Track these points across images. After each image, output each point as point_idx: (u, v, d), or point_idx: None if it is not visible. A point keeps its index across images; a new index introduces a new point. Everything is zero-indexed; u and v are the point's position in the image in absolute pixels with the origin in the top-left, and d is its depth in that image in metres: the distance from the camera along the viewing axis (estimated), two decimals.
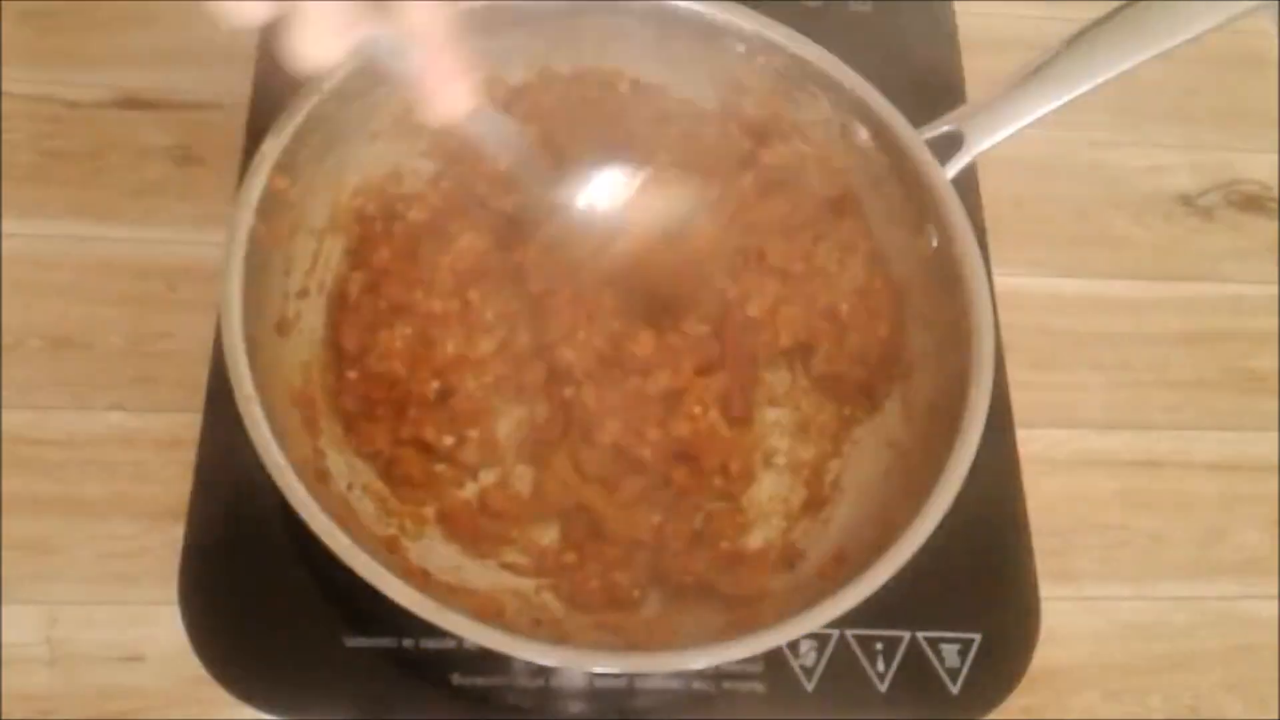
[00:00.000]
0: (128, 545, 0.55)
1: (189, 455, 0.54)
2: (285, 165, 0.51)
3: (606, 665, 0.46)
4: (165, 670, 0.53)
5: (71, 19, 0.68)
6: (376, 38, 0.40)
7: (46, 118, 0.65)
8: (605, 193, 0.54)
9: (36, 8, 0.68)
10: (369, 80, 0.54)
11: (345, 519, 0.46)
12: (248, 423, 0.45)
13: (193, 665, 0.50)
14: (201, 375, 0.55)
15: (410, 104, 0.57)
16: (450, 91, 0.42)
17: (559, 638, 0.49)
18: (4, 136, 0.64)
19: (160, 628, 0.53)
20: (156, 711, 0.53)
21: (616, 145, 0.58)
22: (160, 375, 0.59)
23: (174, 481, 0.55)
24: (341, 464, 0.52)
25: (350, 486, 0.52)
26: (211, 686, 0.50)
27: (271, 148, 0.50)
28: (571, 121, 0.59)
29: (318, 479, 0.49)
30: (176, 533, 0.52)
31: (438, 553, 0.52)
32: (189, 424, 0.55)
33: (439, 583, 0.50)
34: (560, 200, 0.53)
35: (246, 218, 0.49)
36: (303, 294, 0.54)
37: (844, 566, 0.50)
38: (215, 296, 0.48)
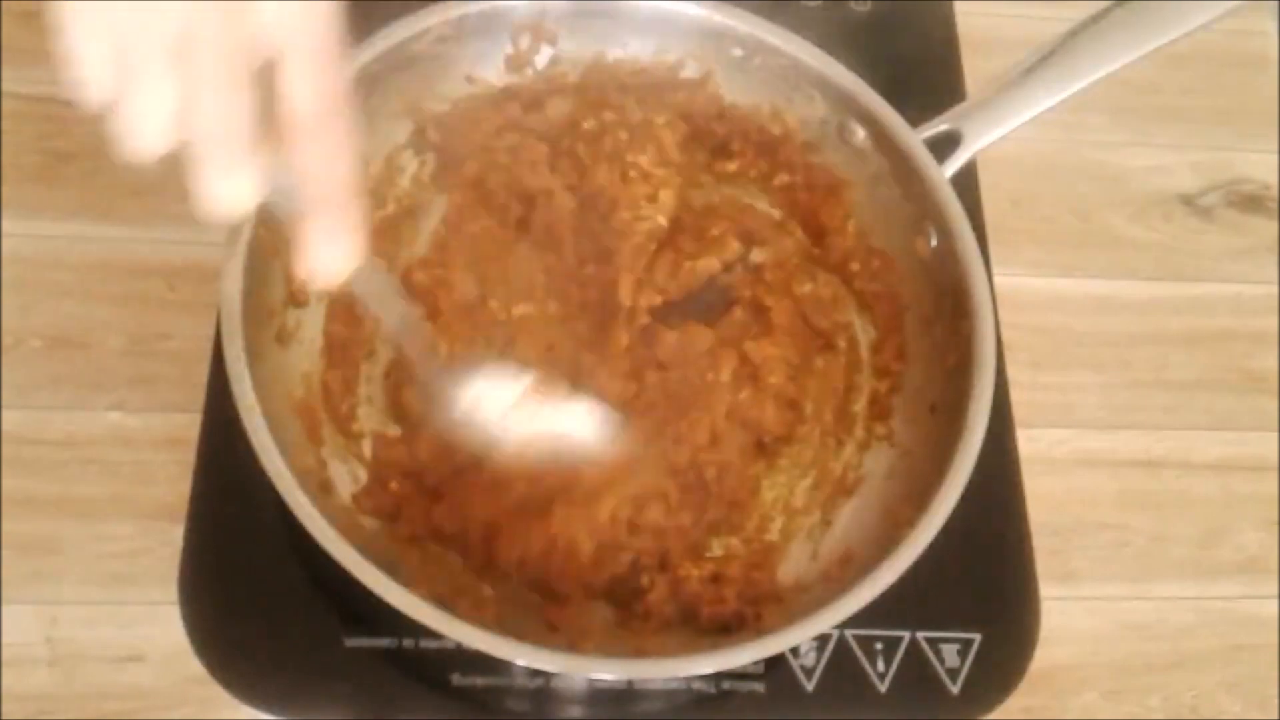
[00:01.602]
0: (128, 545, 0.56)
1: (189, 455, 0.54)
2: None
3: (612, 672, 0.46)
4: (165, 670, 0.53)
5: None
6: (277, 177, 0.35)
7: (46, 118, 0.65)
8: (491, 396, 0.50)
9: (36, 8, 0.68)
10: (365, 87, 0.54)
11: (349, 529, 0.46)
12: (250, 434, 0.45)
13: (193, 665, 0.50)
14: (201, 375, 0.55)
15: (413, 102, 0.57)
16: (336, 248, 0.37)
17: (564, 642, 0.49)
18: (4, 137, 0.64)
19: (160, 628, 0.53)
20: (156, 711, 0.53)
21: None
22: (160, 375, 0.59)
23: (174, 481, 0.55)
24: (344, 474, 0.52)
25: (354, 496, 0.52)
26: (211, 686, 0.50)
27: None
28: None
29: (321, 490, 0.49)
30: (176, 533, 0.52)
31: (444, 560, 0.52)
32: (189, 424, 0.55)
33: (444, 589, 0.50)
34: (445, 388, 0.50)
35: (245, 227, 0.48)
36: (302, 303, 0.54)
37: (850, 568, 0.50)
38: (215, 297, 0.48)
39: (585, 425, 0.52)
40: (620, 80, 0.60)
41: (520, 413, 0.51)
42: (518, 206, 0.59)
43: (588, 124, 0.59)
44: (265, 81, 0.34)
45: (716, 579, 0.52)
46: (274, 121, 0.35)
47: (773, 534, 0.55)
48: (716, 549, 0.55)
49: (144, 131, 0.34)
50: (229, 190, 0.34)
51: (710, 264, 0.59)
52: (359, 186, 0.36)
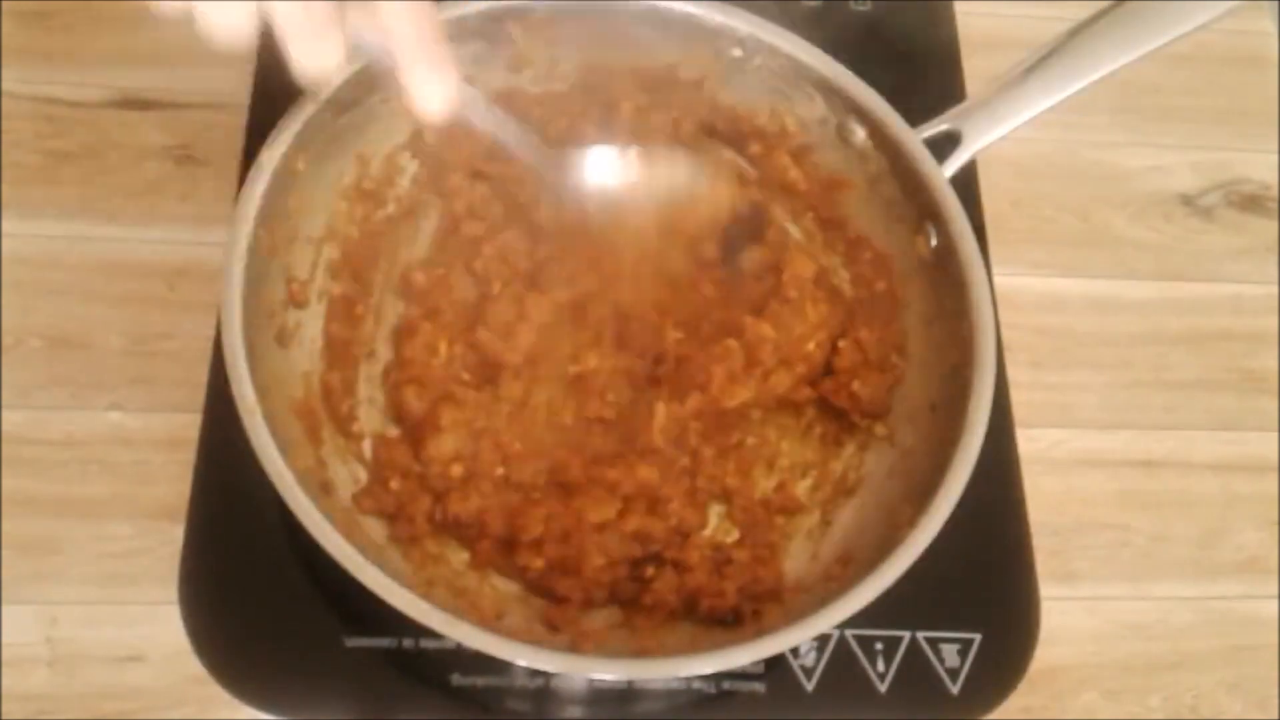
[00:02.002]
0: (128, 545, 0.55)
1: (189, 455, 0.54)
2: (283, 175, 0.51)
3: (612, 672, 0.46)
4: (165, 670, 0.53)
5: (71, 19, 0.68)
6: (365, 34, 0.40)
7: (46, 118, 0.65)
8: (603, 172, 0.55)
9: (36, 8, 0.68)
10: (364, 88, 0.54)
11: (349, 529, 0.46)
12: (251, 435, 0.45)
13: (193, 665, 0.50)
14: (201, 375, 0.55)
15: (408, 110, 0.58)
16: (434, 87, 0.42)
17: (564, 642, 0.49)
18: (4, 136, 0.64)
19: (160, 628, 0.53)
20: (156, 711, 0.53)
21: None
22: (160, 375, 0.59)
23: (174, 481, 0.55)
24: (345, 474, 0.52)
25: (354, 496, 0.52)
26: (211, 686, 0.50)
27: (269, 158, 0.50)
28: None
29: (322, 490, 0.49)
30: (176, 533, 0.52)
31: (444, 560, 0.52)
32: (189, 424, 0.55)
33: (444, 589, 0.50)
34: (557, 180, 0.54)
35: (245, 228, 0.48)
36: (302, 304, 0.54)
37: (850, 568, 0.50)
38: (215, 297, 0.48)
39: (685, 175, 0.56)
40: (617, 79, 0.60)
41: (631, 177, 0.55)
42: (505, 216, 0.59)
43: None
44: None
45: (721, 569, 0.52)
46: None
47: (773, 534, 0.55)
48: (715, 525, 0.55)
49: (225, 20, 0.37)
50: (318, 57, 0.38)
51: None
52: (440, 27, 0.41)
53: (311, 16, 0.37)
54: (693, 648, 0.47)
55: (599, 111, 0.60)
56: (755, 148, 0.61)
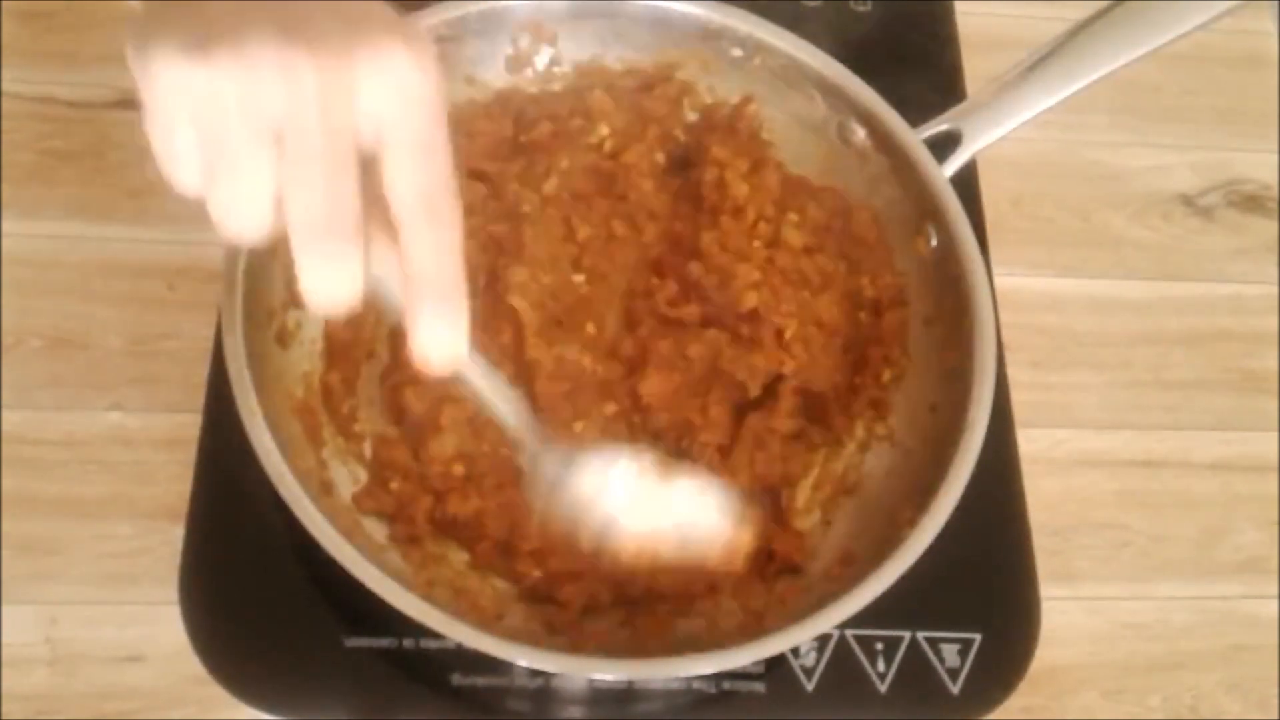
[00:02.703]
0: (128, 545, 0.55)
1: (189, 455, 0.54)
2: None
3: (612, 672, 0.46)
4: (165, 670, 0.53)
5: (71, 19, 0.68)
6: (383, 264, 0.35)
7: (46, 118, 0.65)
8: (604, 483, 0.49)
9: (36, 8, 0.68)
10: None
11: (350, 529, 0.46)
12: (252, 437, 0.45)
13: (193, 665, 0.50)
14: (201, 375, 0.55)
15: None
16: (444, 338, 0.36)
17: (564, 643, 0.49)
18: (4, 136, 0.64)
19: (160, 628, 0.53)
20: (156, 711, 0.53)
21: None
22: (160, 375, 0.59)
23: (174, 481, 0.55)
24: (345, 474, 0.52)
25: (354, 496, 0.52)
26: (211, 686, 0.50)
27: None
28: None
29: (322, 490, 0.49)
30: (176, 533, 0.52)
31: (444, 560, 0.52)
32: (189, 424, 0.55)
33: (444, 589, 0.50)
34: (544, 471, 0.49)
35: None
36: (302, 304, 0.54)
37: (851, 568, 0.50)
38: (215, 296, 0.48)
39: (705, 506, 0.50)
40: (610, 81, 0.60)
41: (641, 496, 0.49)
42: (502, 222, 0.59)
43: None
44: (369, 169, 0.33)
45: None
46: (378, 210, 0.34)
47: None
48: None
49: (242, 216, 0.32)
50: (332, 280, 0.33)
51: None
52: (465, 277, 0.35)
53: (334, 226, 0.32)
54: (693, 648, 0.47)
55: (580, 121, 0.59)
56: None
